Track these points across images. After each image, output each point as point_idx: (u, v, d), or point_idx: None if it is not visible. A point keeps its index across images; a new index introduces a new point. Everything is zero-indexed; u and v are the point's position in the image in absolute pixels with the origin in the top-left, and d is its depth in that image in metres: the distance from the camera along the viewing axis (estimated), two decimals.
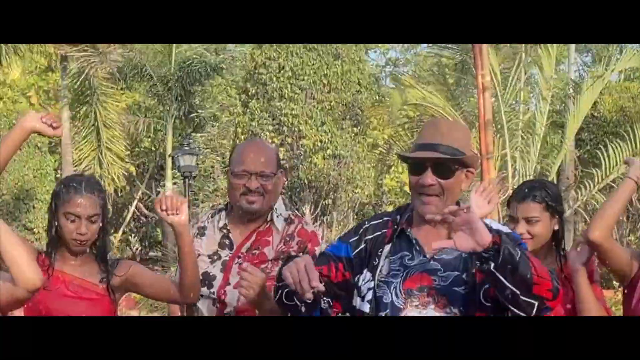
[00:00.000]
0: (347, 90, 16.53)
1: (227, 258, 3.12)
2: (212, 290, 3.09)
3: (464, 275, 2.53)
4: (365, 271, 2.62)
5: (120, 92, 20.13)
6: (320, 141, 15.94)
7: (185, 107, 20.51)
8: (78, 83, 17.15)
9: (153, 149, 23.23)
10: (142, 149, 22.98)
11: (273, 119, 16.14)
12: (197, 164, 16.40)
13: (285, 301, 2.59)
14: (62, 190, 3.04)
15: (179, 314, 3.41)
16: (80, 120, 17.96)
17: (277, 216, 3.17)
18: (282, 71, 15.97)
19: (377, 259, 2.62)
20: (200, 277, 3.06)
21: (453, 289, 2.54)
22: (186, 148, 15.96)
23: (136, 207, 23.52)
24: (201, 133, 19.55)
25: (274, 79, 15.96)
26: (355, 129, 16.55)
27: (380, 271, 2.59)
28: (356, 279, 2.63)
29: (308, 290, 2.39)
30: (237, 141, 16.56)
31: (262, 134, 15.79)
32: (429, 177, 2.53)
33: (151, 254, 22.18)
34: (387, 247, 2.62)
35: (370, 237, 2.67)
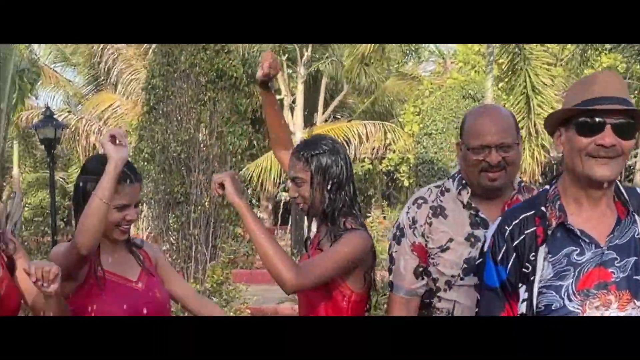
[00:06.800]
0: None
1: None
2: None
3: None
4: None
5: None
6: None
7: None
8: (509, 54, 16.37)
9: None
10: None
11: None
12: None
13: None
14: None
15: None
16: (508, 90, 17.14)
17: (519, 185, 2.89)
18: None
19: (529, 266, 2.31)
20: (464, 265, 2.80)
21: (634, 278, 2.27)
22: None
23: None
24: None
25: None
26: None
27: (539, 276, 2.29)
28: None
29: None
30: None
31: None
32: (610, 136, 2.23)
33: None
34: (542, 248, 2.30)
35: (517, 241, 2.34)
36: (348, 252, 2.79)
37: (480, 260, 2.46)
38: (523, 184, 2.92)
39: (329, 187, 2.92)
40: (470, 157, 2.79)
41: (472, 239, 2.81)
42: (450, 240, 2.83)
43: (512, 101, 16.91)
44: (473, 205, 2.84)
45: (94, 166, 2.80)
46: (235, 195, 2.74)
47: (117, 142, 2.69)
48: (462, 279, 2.81)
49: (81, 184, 2.83)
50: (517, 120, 12.28)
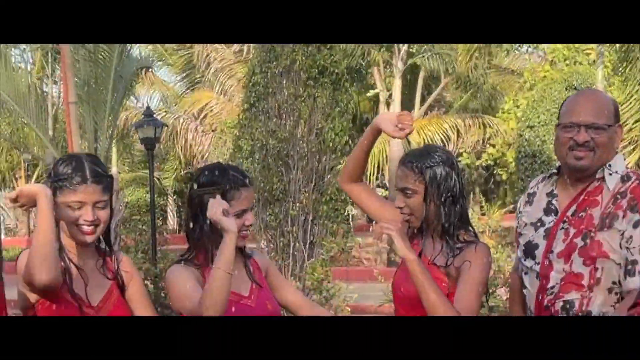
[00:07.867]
0: None
1: (551, 224, 2.84)
2: (536, 260, 2.85)
3: None
4: None
5: None
6: None
7: None
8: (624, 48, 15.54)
9: None
10: None
11: None
12: None
13: None
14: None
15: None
16: (624, 81, 16.28)
17: (611, 173, 2.80)
18: None
19: None
20: (524, 248, 2.91)
21: None
22: None
23: None
24: None
25: None
26: None
27: None
28: None
29: None
30: None
31: None
32: None
33: None
34: None
35: None
36: (485, 275, 2.81)
37: None
38: (626, 171, 2.84)
39: (442, 199, 2.86)
40: (561, 134, 2.82)
41: (538, 224, 2.89)
42: (525, 225, 2.94)
43: (629, 90, 16.05)
44: (554, 192, 2.90)
45: (208, 178, 2.85)
46: (407, 250, 2.72)
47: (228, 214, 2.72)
48: (524, 260, 2.89)
49: (196, 197, 2.85)
50: (635, 111, 11.54)
